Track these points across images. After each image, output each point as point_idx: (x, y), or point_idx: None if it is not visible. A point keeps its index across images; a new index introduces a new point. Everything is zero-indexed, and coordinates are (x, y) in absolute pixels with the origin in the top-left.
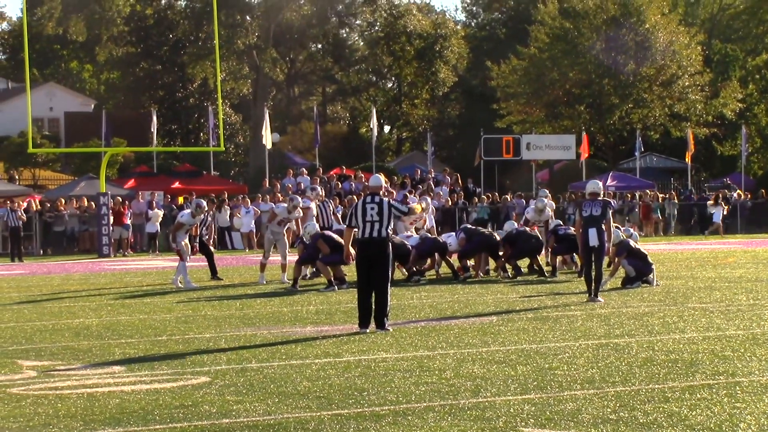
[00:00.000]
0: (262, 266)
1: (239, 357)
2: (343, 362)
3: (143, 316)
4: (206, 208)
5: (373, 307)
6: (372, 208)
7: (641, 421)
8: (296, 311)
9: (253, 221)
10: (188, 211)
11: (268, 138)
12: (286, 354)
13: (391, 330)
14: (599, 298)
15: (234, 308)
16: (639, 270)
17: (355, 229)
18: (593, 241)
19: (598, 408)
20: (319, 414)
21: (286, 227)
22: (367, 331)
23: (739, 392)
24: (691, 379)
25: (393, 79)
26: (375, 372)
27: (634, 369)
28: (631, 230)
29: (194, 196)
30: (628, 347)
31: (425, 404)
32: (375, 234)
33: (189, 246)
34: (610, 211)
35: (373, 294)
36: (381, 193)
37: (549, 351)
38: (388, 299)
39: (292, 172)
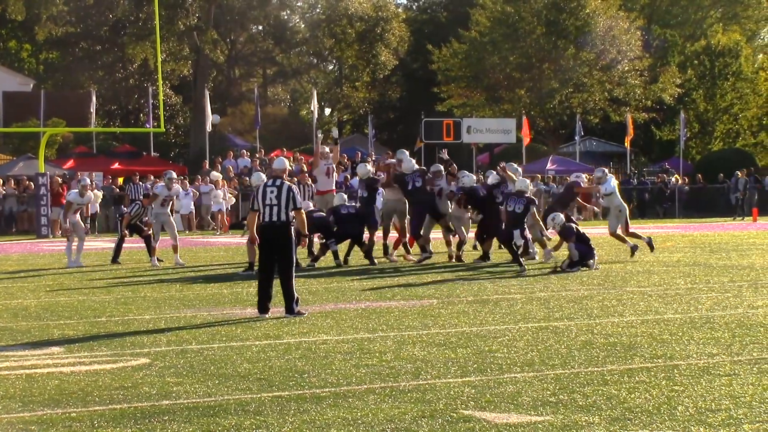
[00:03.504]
0: (152, 249)
1: (179, 338)
2: (284, 344)
3: (82, 297)
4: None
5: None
6: (272, 192)
7: (580, 403)
8: (236, 293)
9: (192, 203)
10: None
11: (208, 119)
12: (227, 336)
13: (306, 314)
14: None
15: (174, 290)
16: (582, 254)
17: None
18: (518, 240)
19: (537, 390)
20: (259, 396)
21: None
22: (267, 316)
23: (677, 375)
24: (629, 362)
25: (334, 61)
26: (315, 354)
27: (573, 352)
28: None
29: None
30: (567, 330)
31: (366, 386)
32: (275, 218)
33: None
34: (533, 208)
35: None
36: (284, 176)
37: (489, 334)
38: (293, 284)
39: (232, 153)
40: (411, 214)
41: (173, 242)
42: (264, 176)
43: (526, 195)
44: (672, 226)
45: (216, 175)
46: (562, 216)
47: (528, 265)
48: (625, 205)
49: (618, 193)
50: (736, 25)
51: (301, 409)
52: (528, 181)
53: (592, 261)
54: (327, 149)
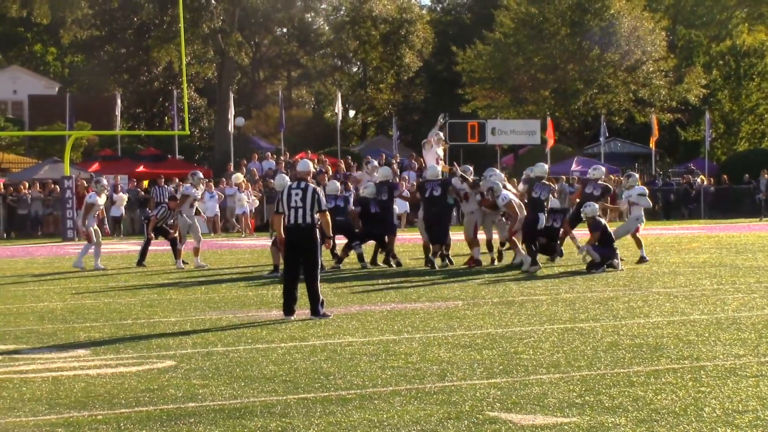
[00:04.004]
0: (178, 252)
1: (205, 341)
2: (309, 346)
3: (108, 300)
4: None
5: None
6: (297, 194)
7: (607, 405)
8: (261, 295)
9: (218, 205)
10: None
11: (231, 122)
12: (252, 338)
13: (331, 316)
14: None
15: (199, 292)
16: (605, 255)
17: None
18: (541, 223)
19: (563, 392)
20: (285, 398)
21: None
22: (293, 318)
23: (703, 376)
24: (656, 364)
25: (358, 63)
26: (341, 356)
27: (599, 353)
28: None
29: (162, 180)
30: (593, 331)
31: (391, 388)
32: (300, 220)
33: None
34: (549, 194)
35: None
36: (308, 179)
37: (514, 335)
38: (318, 286)
39: (257, 156)
40: (426, 221)
41: (195, 244)
42: (287, 178)
43: (546, 182)
44: (698, 227)
45: (239, 177)
46: (596, 206)
47: (553, 266)
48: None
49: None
50: (762, 25)
51: (326, 411)
52: (545, 165)
53: (616, 261)
54: (441, 135)
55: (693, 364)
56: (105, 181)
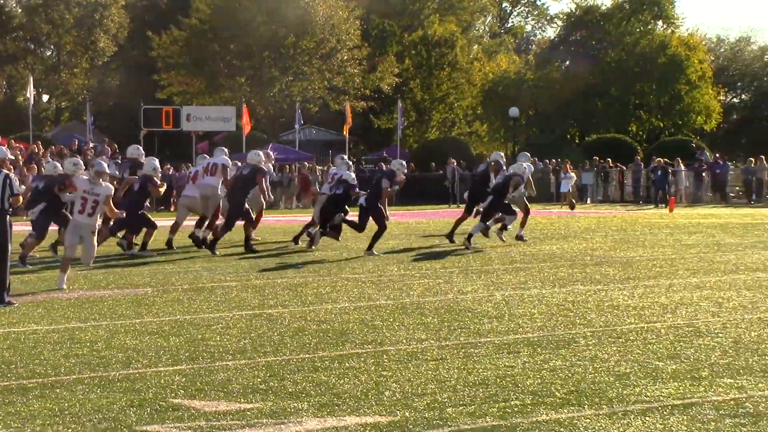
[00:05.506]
0: None
1: None
2: None
3: None
4: None
5: None
6: None
7: (290, 390)
8: None
9: None
10: None
11: None
12: None
13: (16, 304)
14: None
15: None
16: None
17: None
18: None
19: (248, 378)
20: None
21: None
22: None
23: (386, 360)
24: (340, 349)
25: (51, 47)
26: (24, 344)
27: (285, 339)
28: None
29: None
30: (281, 317)
31: (75, 376)
32: None
33: None
34: None
35: None
36: (4, 166)
37: (203, 322)
38: (7, 273)
39: None
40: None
41: None
42: None
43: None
44: (391, 214)
45: None
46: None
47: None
48: None
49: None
50: (452, 16)
51: (6, 401)
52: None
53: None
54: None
55: (376, 349)
56: None
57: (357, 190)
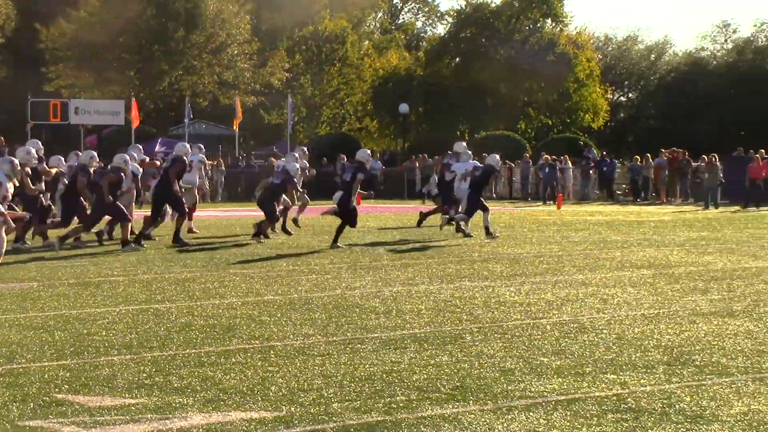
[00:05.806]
0: None
1: None
2: None
3: None
4: None
5: None
6: None
7: (175, 385)
8: None
9: None
10: None
11: None
12: None
13: None
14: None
15: None
16: None
17: None
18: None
19: (133, 373)
20: None
21: None
22: None
23: (272, 356)
24: (227, 344)
25: None
26: None
27: (172, 334)
28: None
29: None
30: (168, 312)
31: None
32: None
33: None
34: None
35: None
36: None
37: (88, 316)
38: None
39: None
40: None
41: None
42: None
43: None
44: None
45: None
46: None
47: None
48: None
49: None
50: (343, 12)
51: None
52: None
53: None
54: None
55: (263, 344)
56: None
57: (294, 182)
